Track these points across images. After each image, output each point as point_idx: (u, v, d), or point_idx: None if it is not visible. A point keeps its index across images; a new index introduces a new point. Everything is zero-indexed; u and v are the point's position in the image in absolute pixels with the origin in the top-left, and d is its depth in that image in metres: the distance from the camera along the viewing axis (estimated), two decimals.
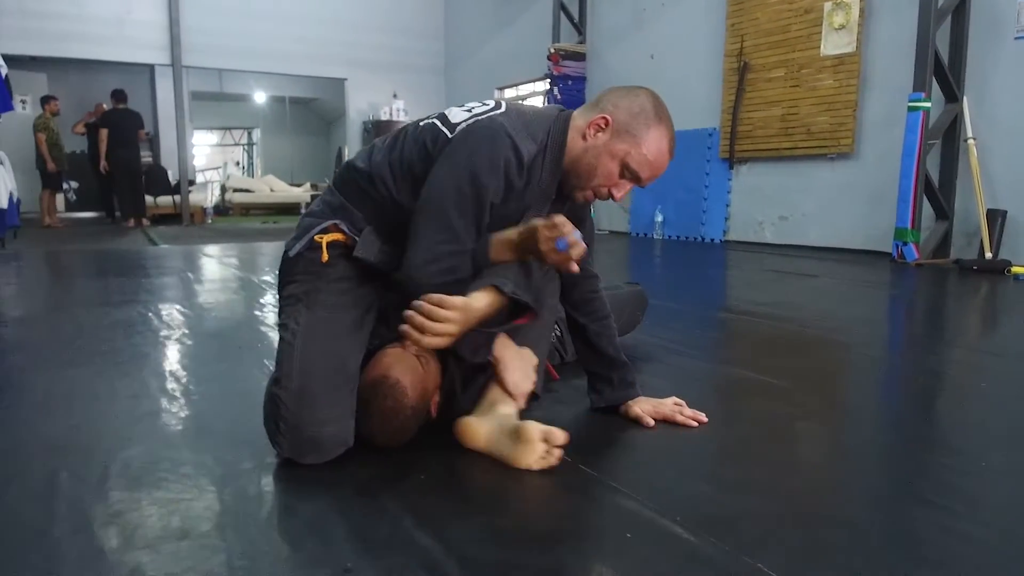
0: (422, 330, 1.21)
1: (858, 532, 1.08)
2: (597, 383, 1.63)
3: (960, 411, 1.80)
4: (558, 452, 1.27)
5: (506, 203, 1.38)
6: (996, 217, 4.55)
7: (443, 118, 1.41)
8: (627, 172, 1.41)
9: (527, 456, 1.26)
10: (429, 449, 1.36)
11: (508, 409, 1.37)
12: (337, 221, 1.43)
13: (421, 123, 1.44)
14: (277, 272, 1.52)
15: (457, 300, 1.23)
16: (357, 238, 1.41)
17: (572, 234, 1.26)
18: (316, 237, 1.42)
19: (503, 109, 1.41)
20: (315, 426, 1.27)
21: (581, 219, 1.65)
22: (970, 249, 4.81)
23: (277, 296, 1.49)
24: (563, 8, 8.27)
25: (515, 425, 1.30)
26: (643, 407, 1.56)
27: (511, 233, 1.33)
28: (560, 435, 1.26)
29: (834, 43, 5.55)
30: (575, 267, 1.31)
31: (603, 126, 1.40)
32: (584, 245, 1.28)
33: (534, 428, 1.26)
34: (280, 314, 1.45)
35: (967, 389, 1.97)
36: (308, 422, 1.27)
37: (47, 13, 8.81)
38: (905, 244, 4.78)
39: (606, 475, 1.27)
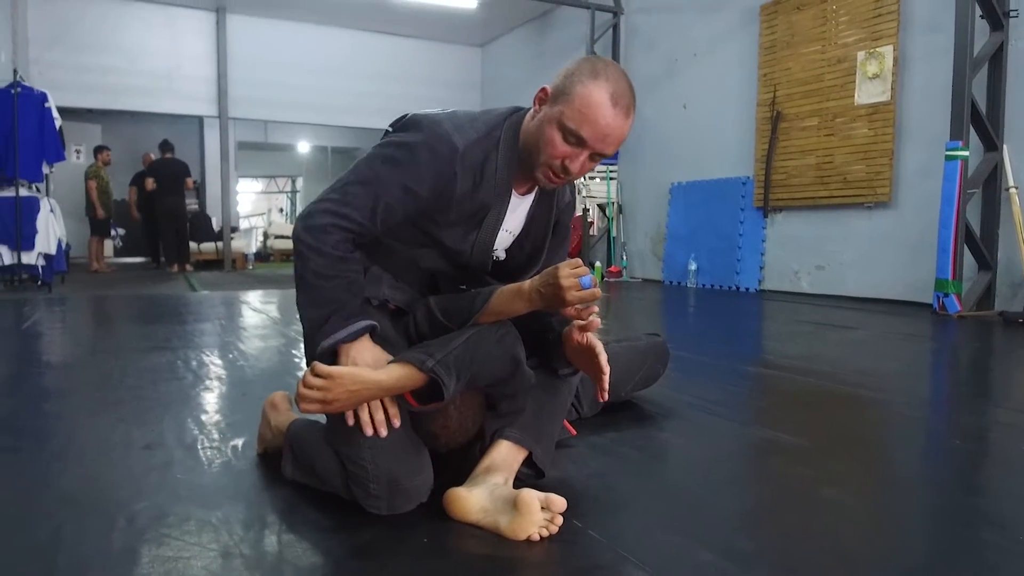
0: (299, 396, 1.22)
1: None
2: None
3: (1002, 479, 1.70)
4: (559, 520, 1.22)
5: (460, 203, 1.35)
6: None
7: (395, 122, 1.42)
8: (569, 135, 1.28)
9: (526, 527, 1.19)
10: (436, 511, 1.32)
11: (499, 478, 1.32)
12: None
13: None
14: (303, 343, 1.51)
15: (330, 369, 1.21)
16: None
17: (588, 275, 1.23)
18: None
19: (450, 110, 1.39)
20: (409, 477, 1.29)
21: (565, 225, 1.57)
22: (1015, 301, 4.64)
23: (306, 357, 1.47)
24: None
25: (510, 494, 1.24)
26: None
27: (523, 282, 1.31)
28: (560, 502, 1.21)
29: (868, 92, 5.51)
30: (594, 310, 1.27)
31: (544, 97, 1.33)
32: (599, 290, 1.25)
33: (532, 497, 1.20)
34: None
35: (1011, 454, 1.86)
36: (404, 475, 1.28)
37: (103, 68, 9.25)
38: (946, 295, 4.64)
39: (615, 542, 1.22)
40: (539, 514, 1.20)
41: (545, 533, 1.21)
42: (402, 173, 1.29)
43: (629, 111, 1.29)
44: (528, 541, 1.20)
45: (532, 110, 1.38)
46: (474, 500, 1.27)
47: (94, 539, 1.23)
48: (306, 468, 1.43)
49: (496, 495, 1.26)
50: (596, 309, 1.26)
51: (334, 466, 1.34)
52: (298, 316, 1.36)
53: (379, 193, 1.30)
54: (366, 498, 1.29)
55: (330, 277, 1.28)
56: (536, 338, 1.44)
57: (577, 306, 1.27)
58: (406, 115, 1.39)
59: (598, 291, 1.22)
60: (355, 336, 1.29)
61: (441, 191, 1.33)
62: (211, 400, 2.30)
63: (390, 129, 1.41)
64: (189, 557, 1.15)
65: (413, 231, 1.41)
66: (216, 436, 1.85)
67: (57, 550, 1.19)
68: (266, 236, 13.33)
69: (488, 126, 1.36)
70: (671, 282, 7.53)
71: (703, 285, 7.13)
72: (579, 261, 1.24)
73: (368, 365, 1.27)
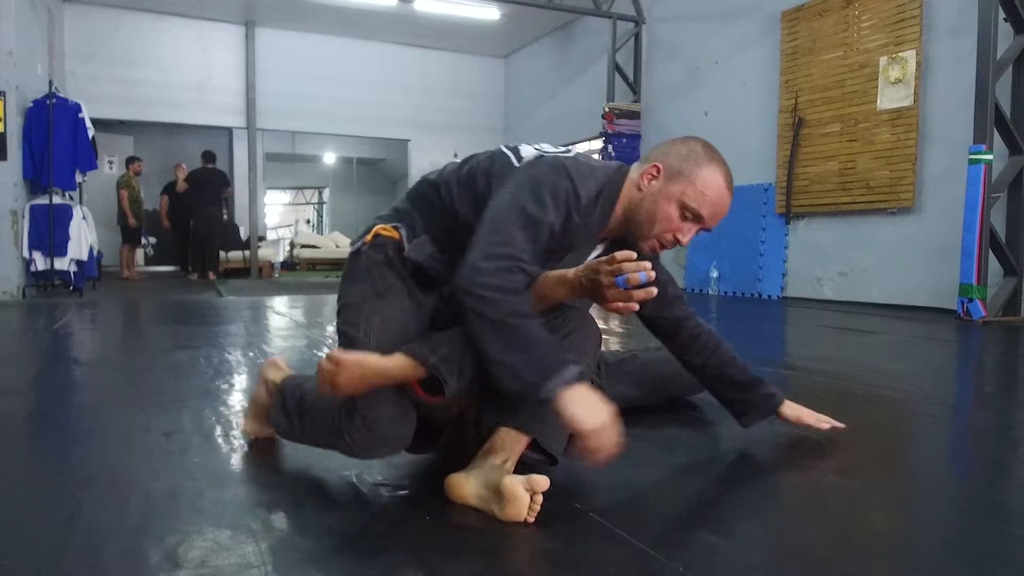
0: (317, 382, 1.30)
1: None
2: (740, 407, 1.74)
3: None
4: (539, 499, 1.21)
5: (552, 239, 1.37)
6: None
7: (515, 150, 1.45)
8: (687, 213, 1.40)
9: (518, 511, 1.20)
10: (439, 492, 1.35)
11: (498, 460, 1.31)
12: (399, 224, 1.48)
13: (496, 150, 1.48)
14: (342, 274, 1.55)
15: (339, 356, 1.25)
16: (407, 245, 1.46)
17: (636, 274, 1.20)
18: (378, 228, 1.47)
19: (571, 154, 1.45)
20: (392, 420, 1.30)
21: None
22: None
23: (338, 300, 1.49)
24: (618, 69, 8.43)
25: (495, 482, 1.24)
26: (790, 412, 1.74)
27: (568, 270, 1.32)
28: (542, 482, 1.20)
29: (891, 97, 5.47)
30: (634, 307, 1.24)
31: (655, 174, 1.42)
32: (654, 290, 1.22)
33: (514, 482, 1.21)
34: (344, 315, 1.44)
35: None
36: (385, 417, 1.30)
37: (135, 81, 9.51)
38: (971, 301, 4.57)
39: (617, 523, 1.23)
40: (526, 497, 1.20)
41: (534, 514, 1.21)
42: (547, 211, 1.32)
43: (733, 190, 1.45)
44: (527, 524, 1.21)
45: (638, 180, 1.43)
46: (470, 486, 1.29)
47: (110, 514, 1.27)
48: (295, 420, 1.47)
49: (488, 481, 1.26)
50: (636, 307, 1.24)
51: (323, 406, 1.38)
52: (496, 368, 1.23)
53: (535, 234, 1.30)
54: (350, 431, 1.30)
55: (529, 316, 1.24)
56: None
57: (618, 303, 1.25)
58: (541, 153, 1.42)
59: (638, 294, 1.21)
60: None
61: (562, 227, 1.37)
62: (230, 393, 2.36)
63: (512, 157, 1.42)
64: (200, 531, 1.19)
65: None
66: (233, 425, 1.90)
67: (75, 523, 1.23)
68: (292, 246, 13.52)
69: (599, 183, 1.41)
70: (693, 289, 7.50)
71: (725, 292, 7.09)
72: (624, 255, 1.21)
73: (591, 408, 1.19)
